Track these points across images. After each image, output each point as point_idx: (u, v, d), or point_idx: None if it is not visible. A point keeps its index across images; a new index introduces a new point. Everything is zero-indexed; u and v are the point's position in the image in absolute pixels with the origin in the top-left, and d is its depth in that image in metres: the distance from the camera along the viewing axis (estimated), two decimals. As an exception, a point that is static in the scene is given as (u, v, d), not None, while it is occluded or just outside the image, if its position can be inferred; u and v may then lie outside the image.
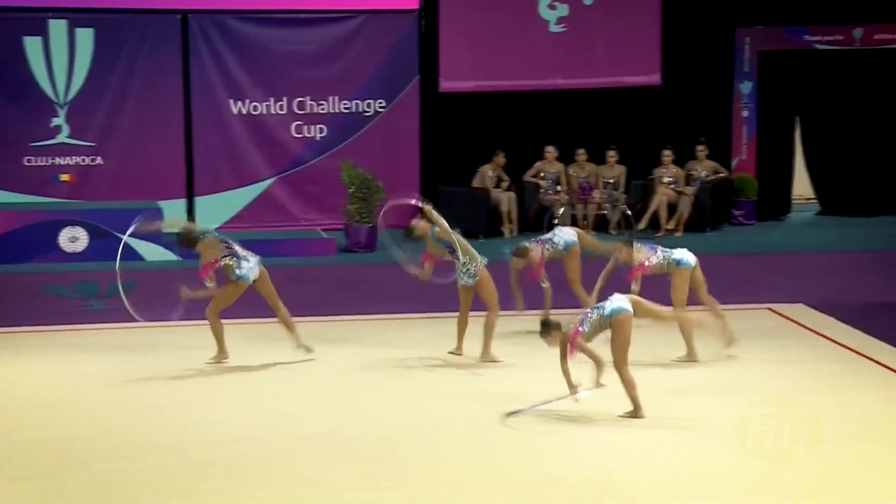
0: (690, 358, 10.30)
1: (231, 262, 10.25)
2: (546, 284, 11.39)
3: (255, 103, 18.16)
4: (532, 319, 11.11)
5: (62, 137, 17.66)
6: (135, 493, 7.37)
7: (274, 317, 10.62)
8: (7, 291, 13.91)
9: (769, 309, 12.36)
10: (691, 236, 16.87)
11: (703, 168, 18.24)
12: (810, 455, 7.81)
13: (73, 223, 15.75)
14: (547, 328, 8.70)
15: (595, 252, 11.62)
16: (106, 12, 17.64)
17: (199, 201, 17.95)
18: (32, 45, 17.47)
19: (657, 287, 10.40)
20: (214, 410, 9.15)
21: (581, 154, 18.16)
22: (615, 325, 8.66)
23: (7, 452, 8.19)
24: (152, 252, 15.63)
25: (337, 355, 10.66)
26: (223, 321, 10.40)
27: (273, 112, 18.22)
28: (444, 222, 10.46)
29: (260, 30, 18.14)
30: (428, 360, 10.53)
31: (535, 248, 11.29)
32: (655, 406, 8.79)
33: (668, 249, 10.52)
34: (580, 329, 8.63)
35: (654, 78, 18.68)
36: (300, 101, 18.24)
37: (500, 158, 17.91)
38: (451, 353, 10.63)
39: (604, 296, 9.20)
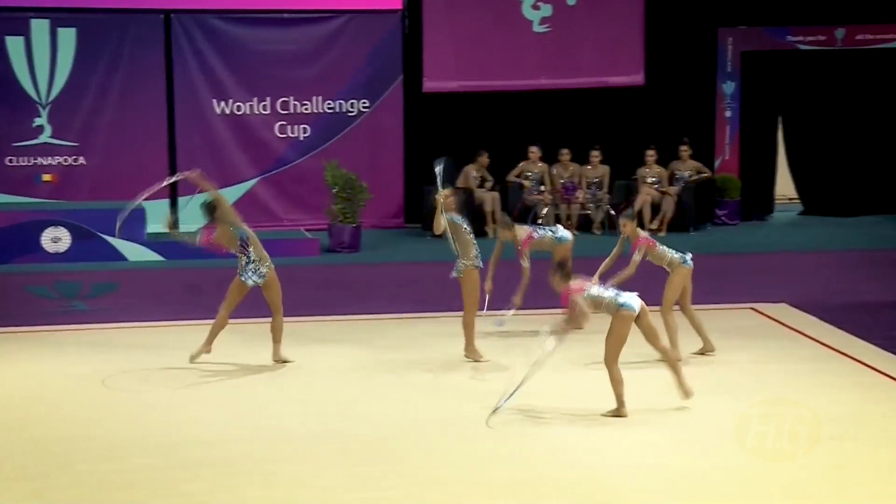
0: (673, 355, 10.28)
1: (242, 260, 10.29)
2: (526, 264, 11.42)
3: (238, 103, 18.13)
4: (523, 321, 11.16)
5: (44, 137, 17.60)
6: (131, 493, 7.36)
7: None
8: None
9: (752, 308, 12.39)
10: (674, 236, 16.86)
11: (687, 168, 18.28)
12: (794, 455, 7.83)
13: (56, 223, 15.70)
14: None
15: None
16: (88, 12, 17.57)
17: (183, 202, 17.87)
18: (14, 44, 17.39)
19: (657, 286, 10.38)
20: (210, 410, 9.14)
21: (565, 154, 18.18)
22: (618, 318, 8.64)
23: (1, 452, 8.16)
24: (135, 252, 15.62)
25: (329, 355, 10.65)
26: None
27: (256, 112, 18.19)
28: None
29: (243, 30, 18.09)
30: (419, 360, 10.51)
31: (525, 227, 11.72)
32: (642, 406, 8.82)
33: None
34: (584, 289, 8.60)
35: (638, 78, 18.72)
36: (284, 101, 18.21)
37: (484, 158, 17.92)
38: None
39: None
